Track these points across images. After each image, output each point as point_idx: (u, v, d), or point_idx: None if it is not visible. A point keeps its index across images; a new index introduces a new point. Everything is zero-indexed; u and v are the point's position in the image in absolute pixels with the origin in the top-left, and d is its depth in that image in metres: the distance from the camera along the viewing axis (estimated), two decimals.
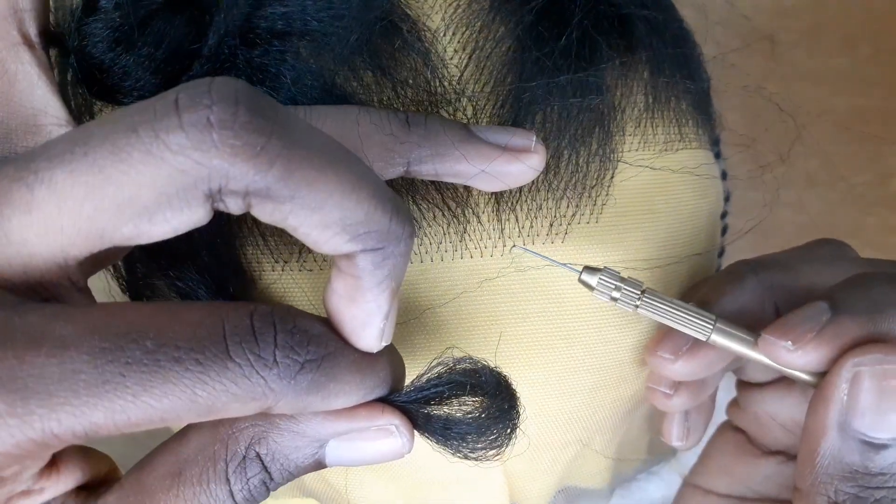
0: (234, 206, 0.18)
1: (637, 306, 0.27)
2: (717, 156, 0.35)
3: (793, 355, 0.25)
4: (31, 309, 0.18)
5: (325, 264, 0.27)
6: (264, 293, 0.28)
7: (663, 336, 0.29)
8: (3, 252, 0.19)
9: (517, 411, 0.23)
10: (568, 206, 0.28)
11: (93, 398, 0.17)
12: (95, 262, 0.20)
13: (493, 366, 0.23)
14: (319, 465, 0.22)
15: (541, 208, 0.28)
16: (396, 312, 0.21)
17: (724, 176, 0.36)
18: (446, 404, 0.22)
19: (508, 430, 0.23)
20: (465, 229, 0.27)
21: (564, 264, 0.27)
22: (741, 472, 0.32)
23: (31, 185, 0.18)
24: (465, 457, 0.23)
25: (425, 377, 0.23)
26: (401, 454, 0.22)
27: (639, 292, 0.27)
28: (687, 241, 0.32)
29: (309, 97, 0.26)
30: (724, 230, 0.38)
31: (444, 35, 0.28)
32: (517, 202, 0.28)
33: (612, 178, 0.29)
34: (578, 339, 0.29)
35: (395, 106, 0.27)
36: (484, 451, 0.23)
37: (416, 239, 0.27)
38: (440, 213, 0.27)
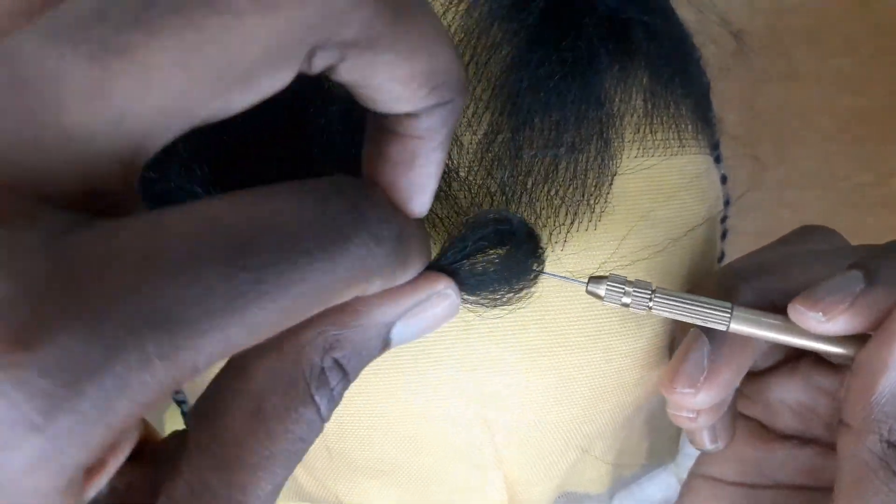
0: (319, 64, 0.16)
1: (650, 307, 0.26)
2: (717, 160, 0.35)
3: (823, 326, 0.25)
4: (121, 226, 0.14)
5: None
6: None
7: (676, 371, 0.28)
8: (61, 155, 0.14)
9: (542, 249, 0.24)
10: (566, 214, 0.28)
11: (234, 315, 0.14)
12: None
13: (511, 213, 0.23)
14: (387, 347, 0.21)
15: (539, 216, 0.28)
16: None
17: (723, 180, 0.36)
18: (481, 257, 0.23)
19: (536, 267, 0.24)
20: None
21: (568, 278, 0.27)
22: (754, 459, 0.32)
23: (102, 59, 0.14)
24: (498, 302, 0.24)
25: (462, 234, 0.23)
26: (454, 315, 0.22)
27: (649, 293, 0.26)
28: (686, 247, 0.31)
29: (306, 101, 0.26)
30: (724, 234, 0.38)
31: None
32: (516, 211, 0.28)
33: (610, 185, 0.29)
34: (577, 346, 0.29)
35: None
36: (516, 292, 0.24)
37: None
38: (438, 220, 0.27)
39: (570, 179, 0.28)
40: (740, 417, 0.33)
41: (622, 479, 0.37)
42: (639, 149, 0.29)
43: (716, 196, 0.34)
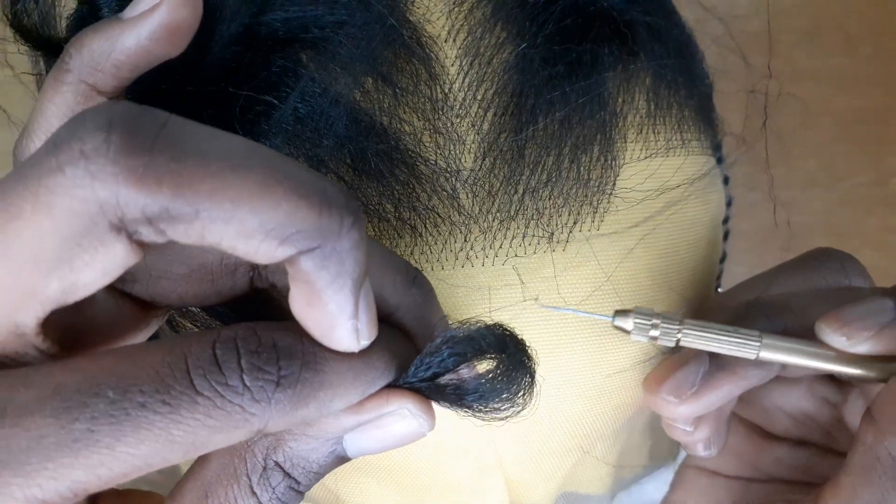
0: (151, 236, 0.17)
1: (678, 339, 0.26)
2: (720, 161, 0.35)
3: (845, 343, 0.26)
4: None
5: None
6: None
7: (665, 376, 0.28)
8: None
9: (529, 363, 0.22)
10: (569, 215, 0.28)
11: (68, 458, 0.17)
12: (65, 319, 0.19)
13: (493, 324, 0.22)
14: (342, 459, 0.21)
15: (542, 216, 0.28)
16: (372, 306, 0.20)
17: (725, 181, 0.36)
18: (456, 372, 0.22)
19: (525, 382, 0.22)
20: (465, 238, 0.27)
21: (594, 314, 0.27)
22: (751, 455, 0.32)
23: None
24: (490, 416, 0.22)
25: (426, 352, 0.22)
26: (422, 434, 0.22)
27: (678, 325, 0.26)
28: (689, 248, 0.31)
29: (311, 105, 0.26)
30: (726, 235, 0.38)
31: (446, 41, 0.28)
32: (518, 210, 0.28)
33: (613, 185, 0.29)
34: (579, 347, 0.29)
35: (396, 113, 0.27)
36: (507, 406, 0.22)
37: (416, 247, 0.27)
38: (441, 220, 0.27)
39: (574, 179, 0.28)
40: (739, 418, 0.33)
41: (624, 481, 0.37)
42: (642, 149, 0.29)
43: (718, 197, 0.34)
